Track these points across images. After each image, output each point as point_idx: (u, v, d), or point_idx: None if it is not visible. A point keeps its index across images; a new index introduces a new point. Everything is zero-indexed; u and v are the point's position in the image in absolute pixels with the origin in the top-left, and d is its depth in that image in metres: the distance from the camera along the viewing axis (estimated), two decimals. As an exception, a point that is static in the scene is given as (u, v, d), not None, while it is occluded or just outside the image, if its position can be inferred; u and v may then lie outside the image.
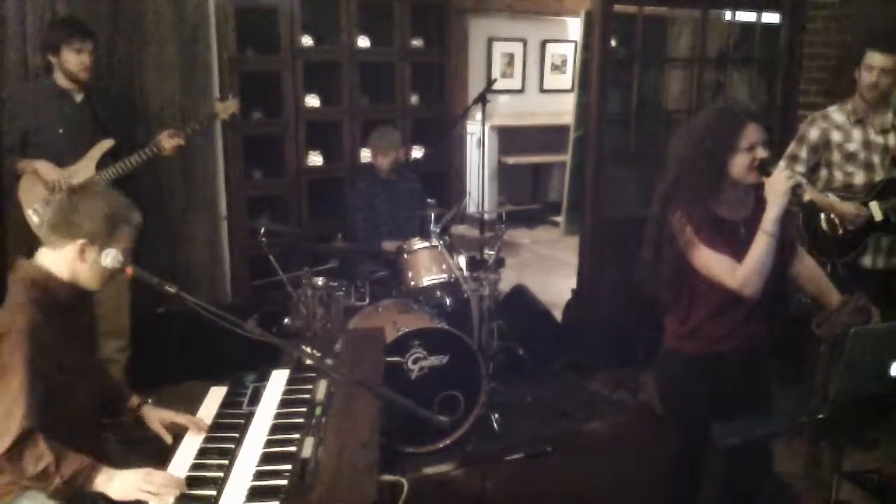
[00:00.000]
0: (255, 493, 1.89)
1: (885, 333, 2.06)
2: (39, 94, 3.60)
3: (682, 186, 2.32)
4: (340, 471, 1.86)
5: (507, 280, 4.70)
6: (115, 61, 4.08)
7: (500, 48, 8.17)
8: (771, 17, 4.81)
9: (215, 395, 2.47)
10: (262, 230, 3.92)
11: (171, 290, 2.05)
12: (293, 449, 2.05)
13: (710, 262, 2.28)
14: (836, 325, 2.27)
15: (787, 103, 4.82)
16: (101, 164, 3.64)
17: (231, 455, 2.08)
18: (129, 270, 2.08)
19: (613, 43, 4.45)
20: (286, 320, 3.95)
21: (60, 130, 3.57)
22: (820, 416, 1.96)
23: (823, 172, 3.61)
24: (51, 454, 1.91)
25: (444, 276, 3.87)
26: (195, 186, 4.48)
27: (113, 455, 2.19)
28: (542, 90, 8.61)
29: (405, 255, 3.91)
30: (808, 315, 2.96)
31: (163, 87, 4.26)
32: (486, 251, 4.49)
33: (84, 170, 3.60)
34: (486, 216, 5.18)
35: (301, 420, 2.21)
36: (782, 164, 3.58)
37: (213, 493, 1.92)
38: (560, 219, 5.02)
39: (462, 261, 4.01)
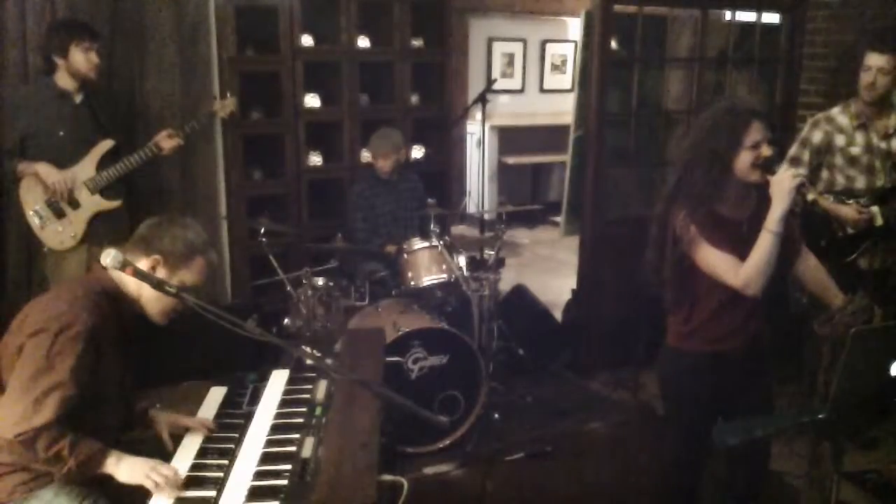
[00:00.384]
0: (255, 493, 1.89)
1: (885, 333, 2.06)
2: (39, 95, 3.59)
3: (686, 186, 2.32)
4: (340, 471, 1.86)
5: (507, 280, 4.70)
6: (115, 61, 4.08)
7: (500, 48, 8.18)
8: (771, 17, 4.81)
9: (215, 395, 2.47)
10: (262, 230, 3.92)
11: (171, 290, 2.06)
12: (293, 449, 2.05)
13: (714, 261, 2.29)
14: (838, 324, 2.27)
15: (787, 103, 4.82)
16: (102, 164, 3.64)
17: (231, 455, 2.08)
18: (129, 270, 2.08)
19: (613, 43, 4.45)
20: (286, 320, 3.95)
21: (61, 132, 3.56)
22: (820, 416, 1.96)
23: (825, 175, 3.61)
24: (64, 438, 1.94)
25: (444, 276, 3.87)
26: (195, 186, 4.48)
27: None
28: (542, 90, 8.61)
29: (405, 255, 3.91)
30: (806, 315, 2.97)
31: (163, 87, 4.26)
32: (486, 251, 4.49)
33: (85, 170, 3.60)
34: (486, 216, 5.19)
35: (301, 420, 2.21)
36: (784, 165, 3.59)
37: (213, 493, 1.92)
38: (560, 219, 5.01)
39: (462, 261, 4.01)
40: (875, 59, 3.39)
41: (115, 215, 3.69)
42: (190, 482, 1.99)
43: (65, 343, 1.94)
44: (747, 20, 4.87)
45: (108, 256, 2.09)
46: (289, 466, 1.97)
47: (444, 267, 3.88)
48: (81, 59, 3.52)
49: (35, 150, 3.54)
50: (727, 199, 2.33)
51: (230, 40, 4.37)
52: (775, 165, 2.24)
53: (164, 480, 1.95)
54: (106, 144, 3.66)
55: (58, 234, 3.58)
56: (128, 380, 2.25)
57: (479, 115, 5.12)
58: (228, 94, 4.15)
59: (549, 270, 6.49)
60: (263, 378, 2.52)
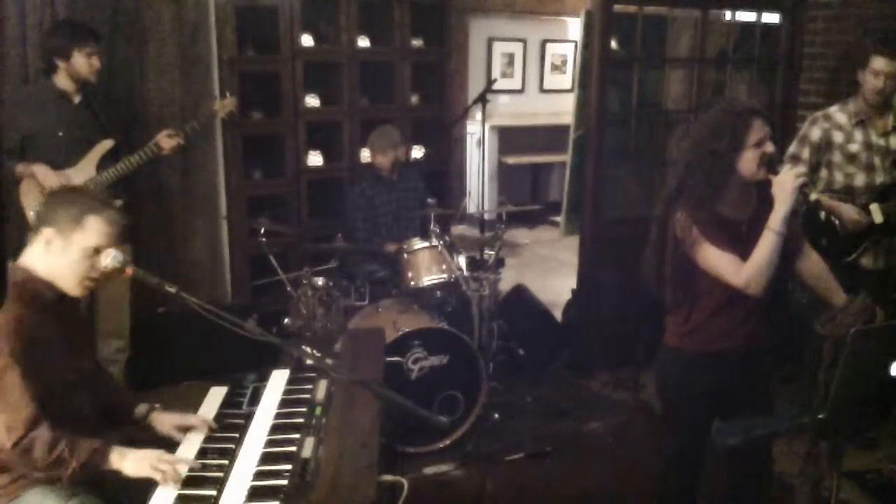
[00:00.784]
0: (255, 492, 1.89)
1: (885, 333, 2.06)
2: (38, 97, 3.59)
3: (687, 187, 2.32)
4: (340, 471, 1.86)
5: (507, 280, 4.70)
6: (115, 61, 4.08)
7: (500, 48, 8.18)
8: (771, 17, 4.81)
9: (215, 395, 2.47)
10: (262, 230, 3.92)
11: (171, 290, 2.06)
12: (293, 449, 2.05)
13: (716, 260, 2.29)
14: (840, 324, 2.27)
15: (787, 103, 4.82)
16: (102, 165, 3.63)
17: (231, 455, 2.08)
18: (129, 270, 2.08)
19: (613, 43, 4.45)
20: (286, 320, 3.95)
21: (60, 133, 3.56)
22: (820, 416, 1.96)
23: (824, 173, 3.61)
24: (63, 441, 1.94)
25: (444, 276, 3.87)
26: (195, 186, 4.48)
27: None
28: (542, 90, 8.61)
29: (405, 255, 3.91)
30: (807, 315, 2.97)
31: (163, 87, 4.26)
32: (486, 251, 4.49)
33: (84, 171, 3.60)
34: (486, 216, 5.18)
35: (301, 420, 2.21)
36: (787, 165, 3.59)
37: (214, 492, 1.92)
38: (560, 219, 5.01)
39: (462, 261, 4.00)
40: (884, 64, 3.37)
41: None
42: (190, 482, 1.98)
43: (4, 355, 1.92)
44: (747, 20, 4.88)
45: (108, 257, 2.09)
46: (289, 466, 1.97)
47: (444, 267, 3.88)
48: (83, 63, 3.52)
49: (35, 150, 3.54)
50: (728, 200, 2.34)
51: (230, 40, 4.37)
52: (778, 165, 2.24)
53: (172, 468, 1.96)
54: (106, 145, 3.65)
55: (58, 235, 3.57)
56: (83, 360, 2.23)
57: (479, 115, 5.12)
58: (228, 94, 4.16)
59: (549, 270, 6.49)
60: (263, 378, 2.51)
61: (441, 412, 3.43)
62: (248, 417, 2.28)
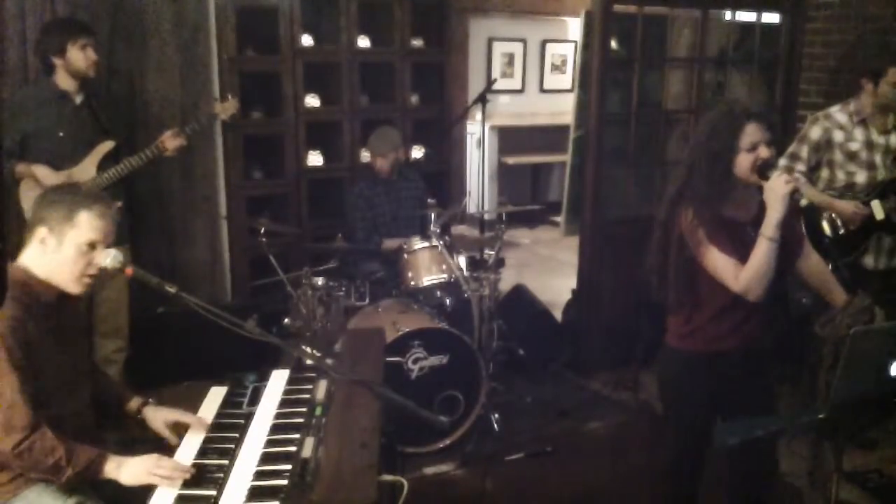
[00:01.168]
0: (255, 492, 1.89)
1: (885, 333, 2.06)
2: (39, 97, 3.58)
3: (689, 188, 2.32)
4: (340, 471, 1.86)
5: (507, 280, 4.70)
6: (115, 61, 4.08)
7: (500, 48, 8.17)
8: (771, 17, 4.81)
9: (215, 395, 2.46)
10: (262, 230, 3.92)
11: (171, 290, 2.06)
12: (293, 449, 2.04)
13: (718, 264, 2.29)
14: (839, 325, 2.27)
15: (787, 103, 4.82)
16: (103, 165, 3.63)
17: (231, 455, 2.08)
18: (129, 270, 2.08)
19: (613, 43, 4.45)
20: (286, 320, 3.94)
21: (60, 133, 3.56)
22: (820, 416, 1.96)
23: (825, 172, 3.61)
24: (61, 447, 1.94)
25: (444, 276, 3.87)
26: (195, 186, 4.48)
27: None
28: (542, 90, 8.61)
29: (405, 255, 3.91)
30: (809, 315, 2.97)
31: (163, 88, 4.26)
32: (486, 251, 4.49)
33: (85, 171, 3.59)
34: (486, 216, 5.18)
35: (301, 420, 2.20)
36: (783, 161, 3.59)
37: (214, 492, 1.92)
38: (560, 219, 5.02)
39: (462, 261, 4.01)
40: None
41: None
42: (190, 482, 1.98)
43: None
44: (747, 20, 4.88)
45: (108, 257, 2.09)
46: (289, 466, 1.97)
47: (444, 267, 3.88)
48: (79, 56, 3.52)
49: (35, 151, 3.54)
50: (731, 201, 2.33)
51: (230, 40, 4.37)
52: (769, 171, 2.23)
53: (169, 472, 1.95)
54: (107, 145, 3.65)
55: (58, 235, 3.57)
56: (79, 358, 2.23)
57: (479, 115, 5.12)
58: (230, 96, 4.15)
59: (549, 270, 6.49)
60: (263, 378, 2.51)
61: (441, 412, 3.42)
62: (248, 417, 2.28)
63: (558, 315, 4.82)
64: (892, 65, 3.41)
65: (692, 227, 2.29)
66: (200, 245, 4.57)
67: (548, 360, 4.55)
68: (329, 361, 2.25)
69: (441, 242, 3.86)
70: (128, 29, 4.12)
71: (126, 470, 2.00)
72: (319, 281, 3.88)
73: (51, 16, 3.84)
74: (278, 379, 2.50)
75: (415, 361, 3.55)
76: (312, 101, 4.75)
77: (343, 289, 3.95)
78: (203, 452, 2.13)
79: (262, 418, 2.26)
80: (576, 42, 7.83)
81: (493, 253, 4.25)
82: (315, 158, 4.81)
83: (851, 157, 3.54)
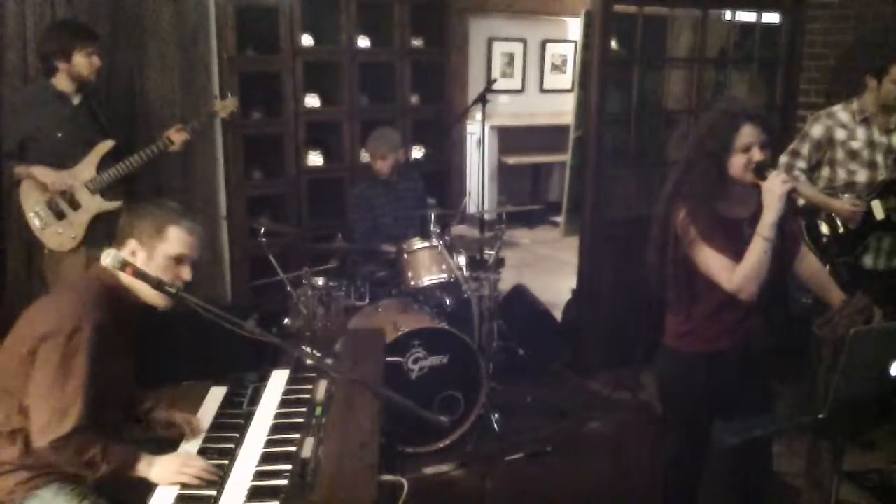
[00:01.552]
0: (255, 492, 1.89)
1: (885, 333, 2.06)
2: (38, 98, 3.58)
3: (686, 186, 2.33)
4: (340, 471, 1.86)
5: (507, 280, 4.70)
6: (115, 61, 4.08)
7: (500, 48, 8.17)
8: (771, 17, 4.81)
9: (215, 395, 2.47)
10: (262, 230, 3.92)
11: (171, 290, 2.06)
12: (293, 449, 2.05)
13: (711, 262, 2.29)
14: (837, 326, 2.27)
15: (787, 103, 4.82)
16: (102, 165, 3.63)
17: (231, 455, 2.08)
18: (129, 270, 2.08)
19: (613, 43, 4.45)
20: (286, 320, 3.95)
21: (59, 134, 3.55)
22: (820, 416, 1.96)
23: (826, 171, 3.61)
24: (98, 443, 1.96)
25: (444, 276, 3.87)
26: (195, 186, 4.48)
27: None
28: (542, 90, 8.61)
29: (405, 255, 3.91)
30: (809, 315, 2.97)
31: (163, 87, 4.26)
32: (486, 251, 4.49)
33: (85, 172, 3.59)
34: (486, 216, 5.18)
35: (301, 420, 2.21)
36: (784, 159, 3.60)
37: (213, 493, 1.92)
38: (560, 219, 5.02)
39: (462, 261, 4.00)
40: None
41: (115, 217, 3.66)
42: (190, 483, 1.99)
43: (78, 344, 1.95)
44: (747, 20, 4.87)
45: (108, 257, 2.09)
46: (289, 466, 1.97)
47: (444, 267, 3.88)
48: (84, 63, 3.52)
49: (34, 152, 3.53)
50: (728, 199, 2.34)
51: (230, 40, 4.37)
52: (767, 171, 2.23)
53: (199, 472, 1.98)
54: (106, 145, 3.65)
55: (58, 236, 3.58)
56: (130, 375, 2.26)
57: (479, 115, 5.11)
58: (230, 95, 4.15)
59: (549, 270, 6.49)
60: (263, 378, 2.51)
61: (441, 412, 3.42)
62: (248, 417, 2.28)
63: (558, 315, 4.82)
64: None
65: (685, 226, 2.30)
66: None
67: (548, 360, 4.55)
68: (329, 361, 2.25)
69: (441, 242, 3.86)
70: (128, 29, 4.12)
71: (156, 468, 2.01)
72: (319, 281, 3.88)
73: (51, 17, 3.84)
74: (278, 379, 2.50)
75: (415, 361, 3.55)
76: (312, 101, 4.75)
77: (343, 289, 3.95)
78: (203, 452, 2.13)
79: (262, 418, 2.26)
80: (576, 42, 7.82)
81: (493, 253, 4.25)
82: (315, 158, 4.81)
83: (853, 155, 3.54)
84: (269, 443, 2.12)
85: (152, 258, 2.11)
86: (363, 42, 4.85)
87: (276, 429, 2.19)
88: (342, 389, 2.24)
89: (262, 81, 4.56)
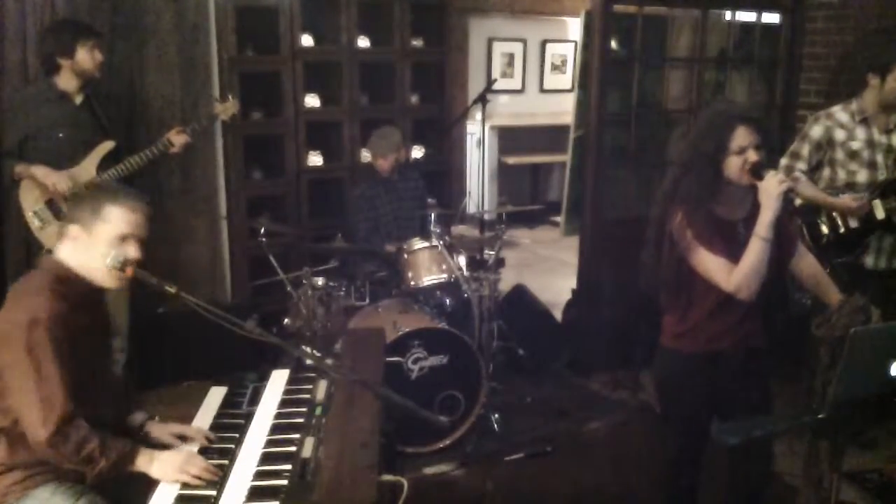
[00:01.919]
0: (255, 492, 1.89)
1: (884, 333, 2.06)
2: (38, 97, 3.58)
3: (681, 188, 2.33)
4: (340, 471, 1.86)
5: (507, 280, 4.70)
6: (115, 61, 4.08)
7: (500, 48, 8.17)
8: (771, 17, 4.81)
9: (215, 395, 2.47)
10: (262, 230, 3.92)
11: (171, 290, 2.06)
12: (293, 449, 2.05)
13: (708, 265, 2.30)
14: (835, 326, 2.27)
15: (787, 103, 4.82)
16: (103, 165, 3.63)
17: (231, 455, 2.08)
18: (129, 270, 2.08)
19: (613, 43, 4.45)
20: (286, 320, 3.95)
21: (60, 134, 3.55)
22: (820, 416, 1.96)
23: (826, 171, 3.61)
24: (95, 438, 1.96)
25: (444, 276, 3.87)
26: (195, 186, 4.48)
27: None
28: (542, 90, 8.61)
29: (405, 255, 3.91)
30: (808, 315, 2.97)
31: (163, 87, 4.26)
32: (486, 251, 4.49)
33: (85, 172, 3.59)
34: (486, 216, 5.18)
35: (301, 420, 2.21)
36: (784, 160, 3.60)
37: (213, 492, 1.92)
38: (560, 219, 5.02)
39: (462, 261, 4.01)
40: None
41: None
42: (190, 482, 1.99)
43: (38, 336, 1.93)
44: (747, 20, 4.88)
45: (108, 257, 2.09)
46: (289, 466, 1.97)
47: (444, 267, 3.88)
48: (87, 58, 3.52)
49: (35, 151, 3.53)
50: (724, 200, 2.34)
51: (230, 40, 4.37)
52: (763, 171, 2.24)
53: (200, 471, 1.97)
54: (107, 146, 3.65)
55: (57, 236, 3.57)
56: (103, 358, 2.24)
57: (479, 115, 5.11)
58: (230, 97, 4.14)
59: (549, 270, 6.49)
60: (263, 378, 2.52)
61: (441, 412, 3.44)
62: (248, 417, 2.28)
63: (558, 315, 4.82)
64: None
65: (681, 228, 2.31)
66: (200, 245, 4.57)
67: (548, 360, 4.55)
68: (329, 361, 2.25)
69: (441, 242, 3.86)
70: (128, 29, 4.12)
71: (158, 465, 2.01)
72: (319, 281, 3.88)
73: (51, 16, 3.84)
74: (278, 379, 2.50)
75: (415, 361, 3.55)
76: (312, 101, 4.75)
77: (343, 289, 3.96)
78: (203, 452, 2.13)
79: (262, 418, 2.26)
80: (576, 42, 7.82)
81: (493, 253, 4.25)
82: (315, 158, 4.81)
83: (853, 155, 3.54)
84: (269, 443, 2.12)
85: (94, 241, 2.06)
86: (363, 42, 4.85)
87: (276, 429, 2.19)
88: (342, 389, 2.24)
89: (262, 81, 4.56)
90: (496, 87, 6.00)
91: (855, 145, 3.54)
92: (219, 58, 4.40)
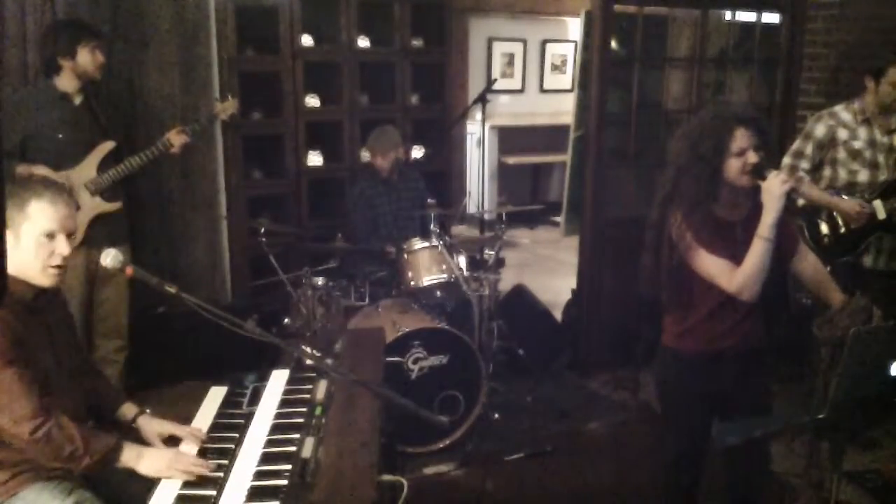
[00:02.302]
0: (255, 492, 1.89)
1: (885, 333, 2.06)
2: (38, 98, 3.56)
3: (680, 190, 2.33)
4: (340, 471, 1.86)
5: (507, 280, 4.70)
6: (115, 61, 4.08)
7: (500, 48, 8.18)
8: (771, 17, 4.81)
9: (215, 395, 2.47)
10: (262, 230, 3.92)
11: (171, 290, 2.06)
12: (293, 449, 2.05)
13: (709, 266, 2.29)
14: (836, 326, 2.27)
15: (787, 103, 4.82)
16: (103, 166, 3.62)
17: (231, 455, 2.08)
18: (129, 270, 2.08)
19: (613, 43, 4.45)
20: (286, 320, 3.95)
21: (60, 134, 3.54)
22: (820, 416, 1.96)
23: (827, 170, 3.61)
24: (78, 434, 1.95)
25: (444, 276, 3.87)
26: (195, 186, 4.48)
27: None
28: (542, 90, 8.61)
29: (405, 255, 3.91)
30: (809, 315, 2.97)
31: (163, 87, 4.26)
32: (486, 251, 4.49)
33: (85, 172, 3.58)
34: (486, 216, 5.18)
35: (301, 420, 2.21)
36: (787, 160, 3.60)
37: (213, 492, 1.92)
38: (560, 219, 5.02)
39: (462, 261, 4.01)
40: None
41: (115, 217, 3.67)
42: (190, 481, 1.99)
43: None
44: (747, 20, 4.88)
45: (108, 257, 2.09)
46: (289, 466, 1.97)
47: (444, 267, 3.88)
48: (89, 59, 3.51)
49: (35, 152, 3.52)
50: (723, 202, 2.34)
51: (230, 40, 4.37)
52: (765, 171, 2.23)
53: (190, 469, 1.97)
54: (107, 146, 3.64)
55: (58, 236, 3.57)
56: (65, 357, 2.21)
57: (479, 115, 5.11)
58: (230, 96, 4.14)
59: (549, 270, 6.49)
60: (263, 378, 2.51)
61: (441, 412, 3.43)
62: (248, 417, 2.28)
63: (558, 315, 4.82)
64: (894, 64, 3.41)
65: (681, 231, 2.30)
66: (200, 245, 4.57)
67: (548, 360, 4.55)
68: (329, 361, 2.25)
69: (441, 242, 3.86)
70: (128, 29, 4.12)
71: (145, 461, 2.01)
72: (319, 281, 3.88)
73: (51, 16, 3.84)
74: (278, 379, 2.50)
75: (415, 361, 3.55)
76: (312, 101, 4.75)
77: (343, 289, 3.95)
78: (203, 452, 2.13)
79: (262, 418, 2.26)
80: (576, 42, 7.82)
81: (493, 253, 4.25)
82: (315, 158, 4.81)
83: (854, 155, 3.54)
84: (269, 443, 2.12)
85: (20, 240, 2.01)
86: (363, 42, 4.85)
87: (276, 429, 2.19)
88: (342, 389, 2.24)
89: (262, 81, 4.56)
90: (496, 87, 6.01)
91: (857, 145, 3.54)
92: (219, 58, 4.40)
